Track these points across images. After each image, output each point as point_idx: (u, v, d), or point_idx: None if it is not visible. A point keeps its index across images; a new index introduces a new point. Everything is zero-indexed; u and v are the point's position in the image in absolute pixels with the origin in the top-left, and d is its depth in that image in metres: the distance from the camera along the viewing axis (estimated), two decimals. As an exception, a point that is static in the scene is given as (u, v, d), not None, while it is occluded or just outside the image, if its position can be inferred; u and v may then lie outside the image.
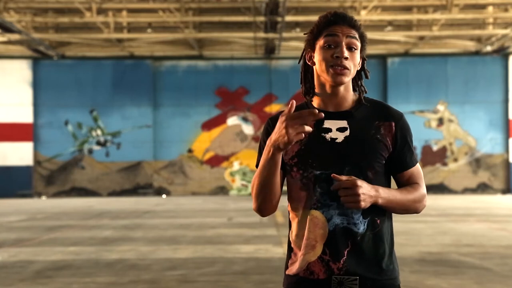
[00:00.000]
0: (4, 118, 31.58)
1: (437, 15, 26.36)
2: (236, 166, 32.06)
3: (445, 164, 31.86)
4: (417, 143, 31.64)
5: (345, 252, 2.86)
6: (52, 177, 31.85)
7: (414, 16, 27.23)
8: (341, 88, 2.96)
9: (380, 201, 2.83)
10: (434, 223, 17.70)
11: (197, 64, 32.28)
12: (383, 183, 2.93)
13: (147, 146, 31.93)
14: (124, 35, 29.10)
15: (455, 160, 31.91)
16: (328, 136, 2.92)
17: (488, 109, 31.83)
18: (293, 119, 2.67)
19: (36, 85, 31.75)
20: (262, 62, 32.16)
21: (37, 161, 31.82)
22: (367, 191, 2.78)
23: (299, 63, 3.10)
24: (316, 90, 3.01)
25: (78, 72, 31.80)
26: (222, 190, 32.11)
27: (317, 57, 2.95)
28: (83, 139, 32.02)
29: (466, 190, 31.74)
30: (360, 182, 2.77)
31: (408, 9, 27.25)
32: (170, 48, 31.57)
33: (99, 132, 32.05)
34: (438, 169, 31.74)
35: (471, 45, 31.15)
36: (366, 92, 3.10)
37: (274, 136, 2.75)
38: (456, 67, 31.81)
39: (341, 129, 2.93)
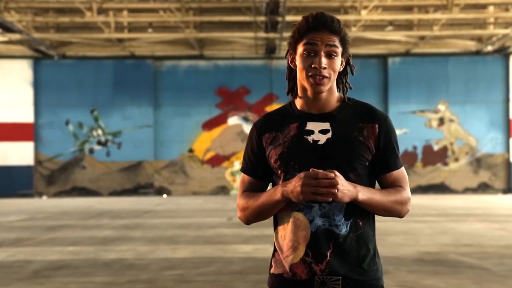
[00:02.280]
0: (5, 118, 31.60)
1: (438, 15, 26.34)
2: (236, 166, 32.06)
3: (446, 164, 31.84)
4: (418, 143, 31.66)
5: (328, 254, 2.85)
6: (52, 177, 31.87)
7: (414, 16, 27.21)
8: (324, 93, 2.95)
9: (360, 196, 2.80)
10: (433, 223, 17.70)
11: (197, 64, 32.29)
12: (365, 186, 2.90)
13: (148, 146, 31.94)
14: (125, 35, 29.11)
15: (456, 160, 31.89)
16: (310, 138, 2.92)
17: (488, 109, 31.82)
18: (310, 179, 2.72)
19: (37, 85, 31.77)
20: (263, 62, 32.16)
21: (38, 161, 31.83)
22: (346, 184, 2.76)
23: (285, 57, 3.10)
24: (299, 93, 3.01)
25: (79, 72, 31.82)
26: (223, 190, 32.12)
27: (298, 63, 2.96)
28: (83, 139, 32.04)
29: (467, 190, 31.72)
30: (338, 174, 2.75)
31: (408, 8, 27.22)
32: (171, 48, 31.57)
33: (99, 132, 32.06)
34: (439, 169, 31.72)
35: (471, 45, 31.13)
36: (351, 88, 3.08)
37: (290, 186, 2.80)
38: (457, 67, 31.80)
39: (323, 131, 2.93)
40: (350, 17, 26.53)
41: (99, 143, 32.09)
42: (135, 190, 31.87)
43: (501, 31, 28.04)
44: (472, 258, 11.46)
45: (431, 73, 31.76)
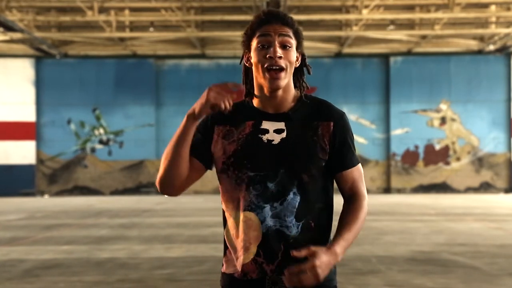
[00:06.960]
0: (7, 117, 31.67)
1: (440, 14, 26.29)
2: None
3: (447, 163, 31.78)
4: (420, 142, 31.62)
5: (279, 255, 2.83)
6: (54, 175, 31.93)
7: (416, 15, 27.16)
8: (280, 91, 2.92)
9: (339, 258, 2.78)
10: (431, 222, 17.66)
11: (199, 63, 32.31)
12: (319, 187, 2.89)
13: (150, 145, 31.97)
14: (127, 34, 29.13)
15: (458, 159, 31.83)
16: (265, 137, 2.89)
17: (490, 108, 31.75)
18: (218, 86, 2.78)
19: (39, 84, 31.84)
20: (265, 61, 32.11)
21: (39, 160, 31.89)
22: (325, 261, 2.71)
23: (240, 63, 3.07)
24: (256, 92, 2.97)
25: (81, 71, 31.87)
26: (225, 189, 32.07)
27: (253, 58, 2.93)
28: (85, 138, 32.09)
29: (469, 189, 31.66)
30: (318, 261, 2.68)
31: (410, 8, 27.17)
32: (173, 47, 31.60)
33: (101, 131, 32.10)
34: (440, 168, 31.66)
35: (473, 44, 31.07)
36: (308, 88, 3.04)
37: (196, 104, 2.83)
38: (459, 66, 31.75)
39: (278, 131, 2.90)
40: (352, 16, 26.50)
41: (101, 142, 32.13)
42: (137, 189, 31.89)
43: (503, 30, 27.98)
44: (465, 257, 11.43)
45: (433, 72, 31.72)
